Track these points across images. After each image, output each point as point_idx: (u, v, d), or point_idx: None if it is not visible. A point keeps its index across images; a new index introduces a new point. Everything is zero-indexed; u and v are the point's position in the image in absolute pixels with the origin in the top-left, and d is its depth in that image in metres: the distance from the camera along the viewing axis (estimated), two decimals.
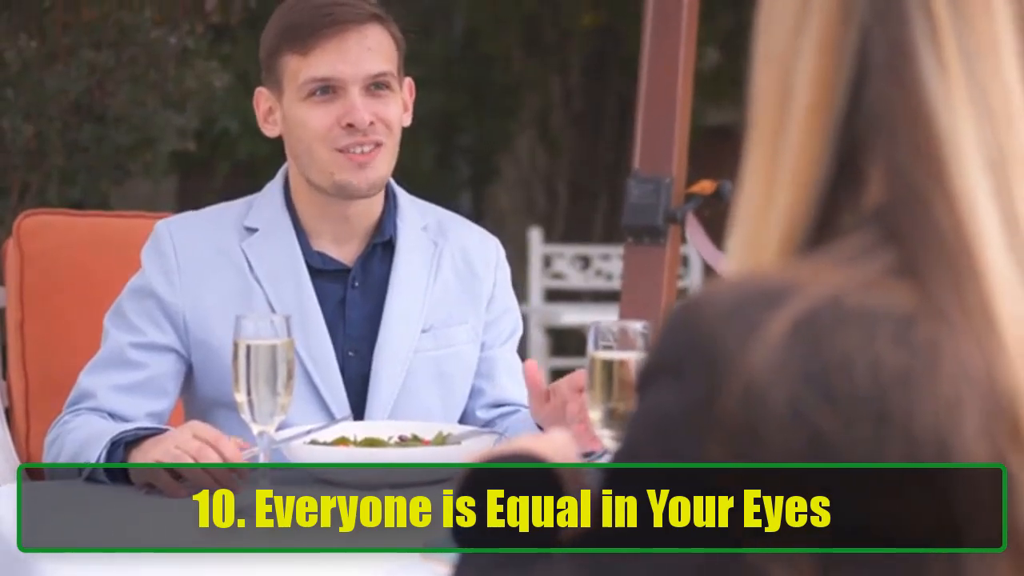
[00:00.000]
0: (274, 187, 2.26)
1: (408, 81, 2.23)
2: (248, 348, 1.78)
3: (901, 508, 0.81)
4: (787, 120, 0.90)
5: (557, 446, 1.19)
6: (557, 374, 7.33)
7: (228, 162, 8.18)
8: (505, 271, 2.35)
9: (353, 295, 2.22)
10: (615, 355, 1.62)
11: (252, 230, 2.22)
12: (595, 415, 1.62)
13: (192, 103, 4.60)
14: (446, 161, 9.32)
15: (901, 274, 0.85)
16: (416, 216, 2.29)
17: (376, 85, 2.14)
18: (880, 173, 0.88)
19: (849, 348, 0.82)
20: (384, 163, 2.17)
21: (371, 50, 2.14)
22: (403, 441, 2.05)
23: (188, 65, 4.56)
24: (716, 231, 3.17)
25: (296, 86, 2.14)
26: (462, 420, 2.28)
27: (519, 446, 1.14)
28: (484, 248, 2.33)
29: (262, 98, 2.22)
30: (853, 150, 0.89)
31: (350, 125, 2.12)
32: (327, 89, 2.13)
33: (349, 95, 2.12)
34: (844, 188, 0.90)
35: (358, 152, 2.13)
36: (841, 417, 0.81)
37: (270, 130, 2.23)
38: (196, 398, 2.20)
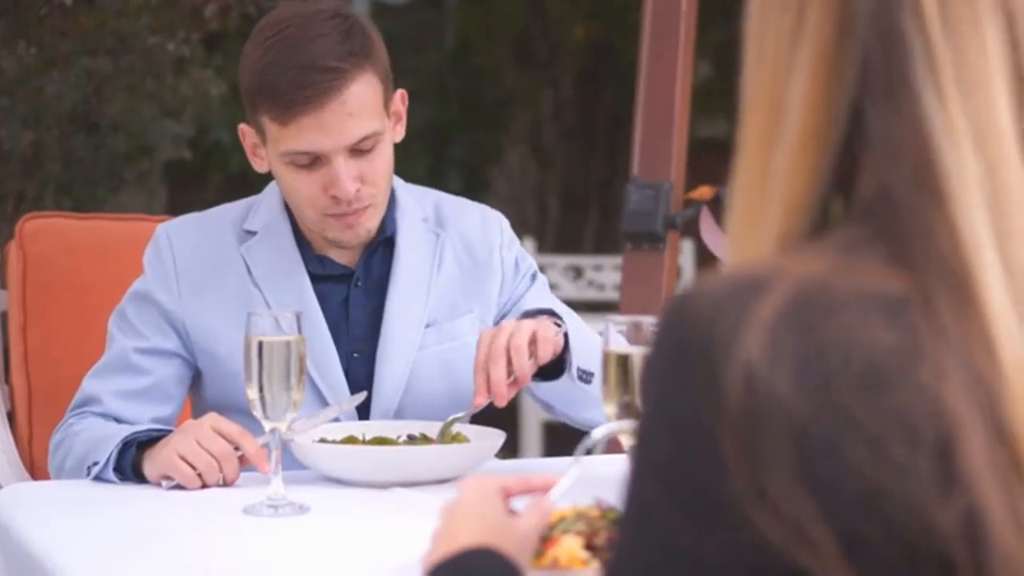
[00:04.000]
0: (273, 190, 2.23)
1: (401, 93, 2.18)
2: (260, 344, 1.78)
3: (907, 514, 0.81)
4: (780, 136, 0.90)
5: (520, 539, 1.20)
6: None
7: (220, 174, 8.18)
8: (512, 248, 2.30)
9: (356, 294, 2.21)
10: (629, 350, 1.63)
11: (251, 233, 2.20)
12: (610, 409, 1.63)
13: (188, 111, 4.59)
14: (437, 174, 9.31)
15: (894, 265, 0.85)
16: (415, 208, 2.26)
17: (361, 145, 2.08)
18: (868, 177, 0.88)
19: (843, 329, 0.83)
20: (374, 217, 2.14)
21: (352, 115, 2.05)
22: (412, 440, 2.05)
23: (184, 73, 4.56)
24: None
25: (278, 152, 2.08)
26: None
27: (478, 542, 1.15)
28: (486, 230, 2.28)
29: (247, 135, 2.16)
30: (849, 162, 0.89)
31: (335, 196, 2.08)
32: (310, 157, 2.07)
33: (333, 165, 2.06)
34: (835, 189, 0.90)
35: (347, 214, 2.10)
36: (840, 398, 0.81)
37: (259, 165, 2.17)
38: (203, 401, 2.19)
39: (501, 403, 1.97)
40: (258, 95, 2.06)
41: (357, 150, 2.07)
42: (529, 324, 1.99)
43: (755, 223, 0.91)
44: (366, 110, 2.06)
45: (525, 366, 1.96)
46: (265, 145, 2.12)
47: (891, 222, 0.86)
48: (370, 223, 2.14)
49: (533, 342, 1.98)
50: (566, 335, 2.04)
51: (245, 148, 2.18)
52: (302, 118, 2.03)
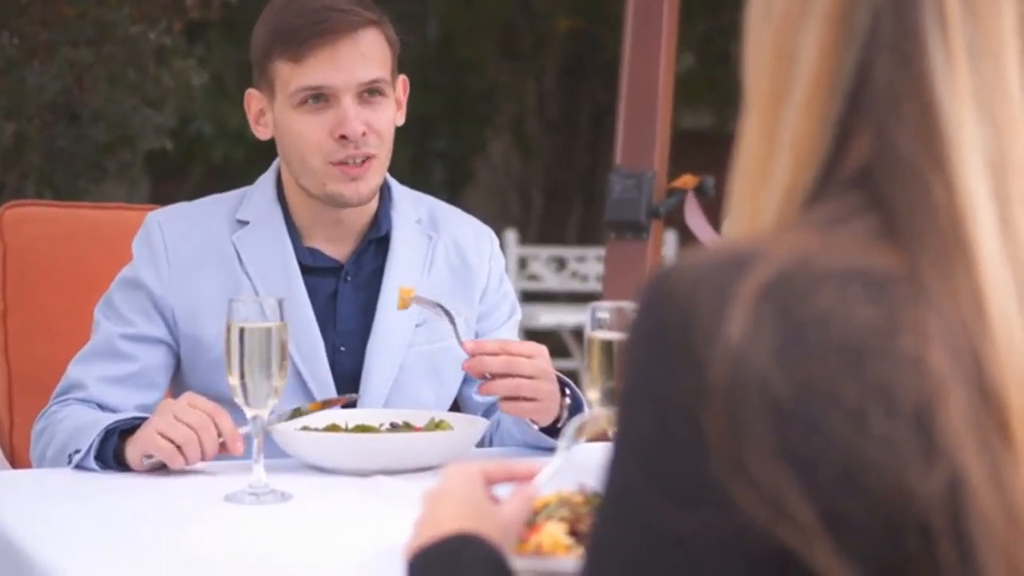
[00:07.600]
0: (267, 180, 2.24)
1: (402, 79, 2.21)
2: (242, 331, 1.77)
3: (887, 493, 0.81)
4: (790, 89, 0.90)
5: (503, 525, 1.19)
6: None
7: (202, 166, 8.17)
8: (499, 261, 2.34)
9: (345, 289, 2.21)
10: (613, 335, 1.62)
11: (243, 223, 2.21)
12: (594, 395, 1.63)
13: (169, 102, 4.58)
14: (421, 165, 9.31)
15: (882, 238, 0.85)
16: (410, 209, 2.28)
17: (369, 92, 2.12)
18: (866, 140, 0.88)
19: (823, 306, 0.82)
20: (376, 175, 2.15)
21: (364, 56, 2.11)
22: (394, 428, 2.05)
23: (165, 63, 4.55)
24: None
25: (288, 93, 2.12)
26: (459, 404, 2.28)
27: (461, 529, 1.15)
28: (477, 240, 2.32)
29: (253, 100, 2.19)
30: (852, 121, 0.89)
31: (343, 136, 2.10)
32: (319, 97, 2.11)
33: (342, 104, 2.10)
34: (833, 155, 0.90)
35: (350, 164, 2.12)
36: (819, 374, 0.81)
37: (262, 132, 2.20)
38: (184, 390, 2.18)
39: (471, 366, 1.99)
40: (273, 41, 2.12)
41: (365, 97, 2.12)
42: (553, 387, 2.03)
43: (763, 176, 0.91)
44: (377, 57, 2.13)
45: (526, 387, 1.99)
46: (273, 102, 2.15)
47: (887, 185, 0.86)
48: (371, 182, 2.15)
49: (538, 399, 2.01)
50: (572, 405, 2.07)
51: (249, 117, 2.21)
52: (316, 52, 2.09)
